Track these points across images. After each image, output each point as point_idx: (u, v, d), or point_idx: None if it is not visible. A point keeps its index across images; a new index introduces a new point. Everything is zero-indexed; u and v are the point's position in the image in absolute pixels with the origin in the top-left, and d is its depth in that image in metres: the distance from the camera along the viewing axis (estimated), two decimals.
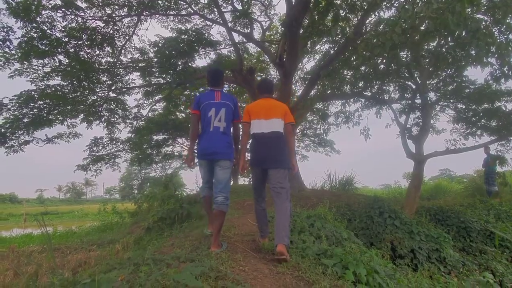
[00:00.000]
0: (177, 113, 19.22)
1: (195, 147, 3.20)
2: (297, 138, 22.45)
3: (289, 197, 3.12)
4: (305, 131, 22.21)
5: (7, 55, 7.11)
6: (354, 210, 5.97)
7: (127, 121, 13.39)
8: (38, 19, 6.71)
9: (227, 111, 3.14)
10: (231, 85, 15.88)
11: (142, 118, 14.97)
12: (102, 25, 8.48)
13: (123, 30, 9.39)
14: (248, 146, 3.22)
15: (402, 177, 26.16)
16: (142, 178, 48.43)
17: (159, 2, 8.95)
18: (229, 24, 9.66)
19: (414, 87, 7.08)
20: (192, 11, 9.90)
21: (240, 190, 9.84)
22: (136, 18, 9.15)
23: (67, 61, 7.75)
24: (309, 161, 25.43)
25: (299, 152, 24.60)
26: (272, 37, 12.93)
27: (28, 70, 7.75)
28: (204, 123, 3.11)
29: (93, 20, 8.09)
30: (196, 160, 3.22)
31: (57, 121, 9.17)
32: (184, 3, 9.72)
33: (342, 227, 4.32)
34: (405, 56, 7.06)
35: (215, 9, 9.65)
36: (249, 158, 3.25)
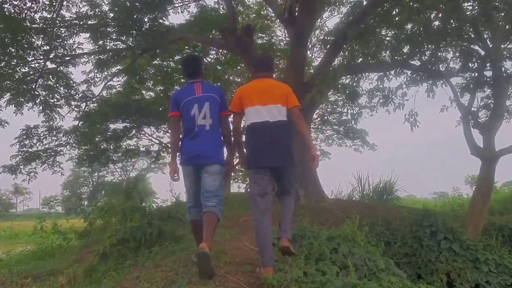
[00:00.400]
0: (143, 92, 19.34)
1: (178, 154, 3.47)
2: (314, 126, 22.54)
3: (295, 194, 3.58)
4: (325, 117, 22.25)
5: None
6: (394, 229, 6.00)
7: (72, 103, 13.41)
8: None
9: (212, 105, 3.38)
10: (220, 51, 15.89)
11: (94, 99, 15.01)
12: None
13: None
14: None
15: (463, 182, 26.17)
16: (95, 184, 48.82)
17: None
18: None
19: (482, 53, 7.04)
20: None
21: (233, 200, 9.89)
22: None
23: None
24: (331, 159, 25.36)
25: (317, 147, 24.78)
26: None
27: None
28: (187, 124, 3.40)
29: None
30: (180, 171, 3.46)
31: None
32: None
33: (377, 253, 4.33)
34: (470, 8, 7.01)
35: None
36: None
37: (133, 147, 22.93)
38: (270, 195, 3.34)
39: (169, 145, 3.04)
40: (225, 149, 3.57)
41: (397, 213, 7.24)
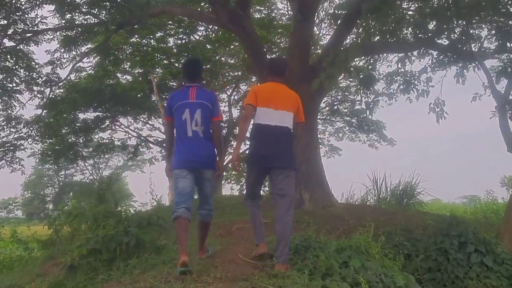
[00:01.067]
0: (119, 75, 19.29)
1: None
2: (321, 117, 22.53)
3: (293, 205, 4.21)
4: (335, 106, 22.23)
5: None
6: (416, 240, 6.02)
7: (35, 88, 13.33)
8: None
9: (203, 112, 4.14)
10: (210, 27, 15.84)
11: (60, 84, 14.93)
12: None
13: None
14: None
15: (499, 184, 26.35)
16: (61, 185, 48.74)
17: None
18: None
19: None
20: None
21: (226, 205, 9.92)
22: None
23: None
24: (341, 155, 25.37)
25: (325, 142, 24.76)
26: None
27: None
28: (180, 129, 4.15)
29: None
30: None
31: None
32: None
33: (395, 268, 4.35)
34: None
35: None
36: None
37: (107, 140, 22.89)
38: (256, 196, 4.36)
39: (164, 146, 4.80)
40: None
41: (420, 221, 7.24)
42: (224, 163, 4.47)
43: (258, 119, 4.17)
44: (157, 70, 18.68)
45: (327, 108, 22.18)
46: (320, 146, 27.12)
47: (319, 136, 25.04)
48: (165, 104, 22.65)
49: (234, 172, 22.55)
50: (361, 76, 9.10)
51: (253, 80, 19.85)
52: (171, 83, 21.30)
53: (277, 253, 4.04)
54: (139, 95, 19.71)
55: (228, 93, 23.52)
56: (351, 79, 16.95)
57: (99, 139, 22.16)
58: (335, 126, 23.72)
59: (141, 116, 23.26)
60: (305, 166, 8.87)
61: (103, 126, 21.66)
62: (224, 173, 20.72)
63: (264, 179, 4.38)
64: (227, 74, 19.91)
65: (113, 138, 22.96)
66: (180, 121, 4.17)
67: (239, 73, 19.68)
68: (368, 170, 13.14)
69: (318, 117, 23.98)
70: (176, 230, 4.13)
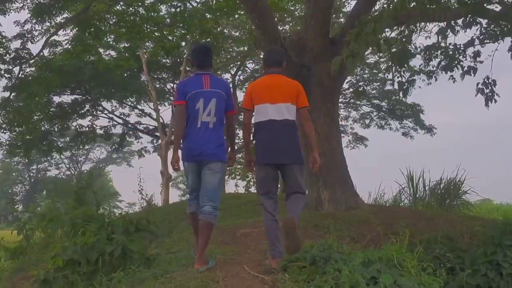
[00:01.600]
0: (101, 50, 19.24)
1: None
2: (344, 100, 22.39)
3: (305, 193, 4.88)
4: (361, 87, 22.07)
5: None
6: (461, 250, 5.96)
7: (1, 66, 13.39)
8: None
9: (218, 102, 4.61)
10: (253, 49, 15.71)
11: (31, 61, 14.97)
12: None
13: None
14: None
15: None
16: (33, 181, 49.20)
17: None
18: None
19: None
20: None
21: (230, 204, 9.98)
22: None
23: None
24: (368, 146, 25.11)
25: (348, 130, 24.57)
26: None
27: None
28: (191, 117, 4.62)
29: None
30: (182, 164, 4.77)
31: None
32: None
33: (436, 285, 4.29)
34: None
35: None
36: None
37: (87, 129, 23.00)
38: (275, 195, 4.71)
39: (173, 134, 5.39)
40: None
41: (465, 227, 7.16)
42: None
43: (257, 117, 4.73)
44: (147, 44, 18.65)
45: (351, 89, 22.03)
46: (342, 135, 27.12)
47: (340, 123, 24.89)
48: (165, 88, 22.38)
49: (239, 166, 22.62)
50: (393, 51, 8.96)
51: (261, 56, 19.78)
52: (164, 60, 21.27)
53: (290, 209, 4.62)
54: (125, 75, 19.75)
55: (233, 72, 23.52)
56: (380, 54, 16.79)
57: (77, 126, 22.29)
58: (361, 111, 23.64)
59: (128, 100, 23.35)
60: (323, 159, 8.80)
61: (83, 111, 21.77)
62: (229, 168, 20.68)
63: (276, 177, 4.77)
64: (230, 49, 19.86)
65: (94, 126, 23.08)
66: (193, 110, 4.62)
67: (245, 48, 19.61)
68: (402, 164, 13.08)
69: (340, 100, 23.88)
70: (191, 222, 4.92)
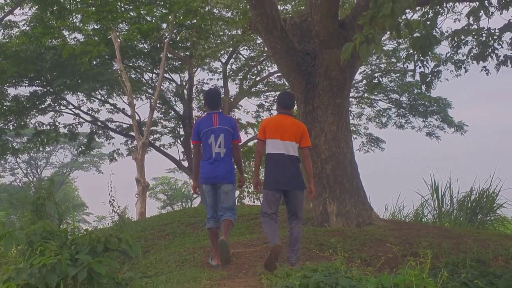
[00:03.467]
0: (65, 33, 19.17)
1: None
2: (357, 94, 22.38)
3: (302, 218, 6.84)
4: (376, 78, 21.96)
5: None
6: (495, 275, 5.94)
7: None
8: None
9: (225, 137, 6.82)
10: (248, 33, 15.73)
11: None
12: None
13: None
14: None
15: None
16: None
17: None
18: None
19: None
20: None
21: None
22: None
23: None
24: (384, 150, 24.96)
25: (361, 130, 24.51)
26: None
27: None
28: (206, 150, 6.84)
29: None
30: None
31: None
32: None
33: None
34: None
35: None
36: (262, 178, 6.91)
37: (48, 127, 23.01)
38: (276, 214, 6.53)
39: (192, 167, 8.32)
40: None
41: (500, 247, 7.18)
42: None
43: (268, 149, 6.66)
44: (121, 26, 18.65)
45: (364, 82, 22.06)
46: (354, 136, 27.15)
47: (352, 121, 24.94)
48: (142, 78, 22.56)
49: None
50: (415, 36, 8.97)
51: (257, 42, 19.78)
52: (141, 45, 21.24)
53: (290, 254, 6.31)
54: (94, 62, 19.68)
55: (224, 60, 23.55)
56: (400, 40, 16.85)
57: (37, 124, 22.25)
58: (376, 108, 23.68)
59: (97, 93, 23.31)
60: (330, 166, 8.84)
61: (43, 106, 21.72)
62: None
63: (279, 200, 6.62)
64: (221, 33, 19.85)
65: (57, 124, 23.06)
66: (206, 144, 6.83)
67: (239, 32, 19.62)
68: (425, 172, 13.09)
69: (352, 94, 23.87)
70: (210, 238, 6.91)
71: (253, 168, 7.95)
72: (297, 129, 6.69)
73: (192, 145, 7.95)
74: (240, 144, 7.37)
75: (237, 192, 21.86)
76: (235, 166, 7.17)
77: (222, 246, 6.37)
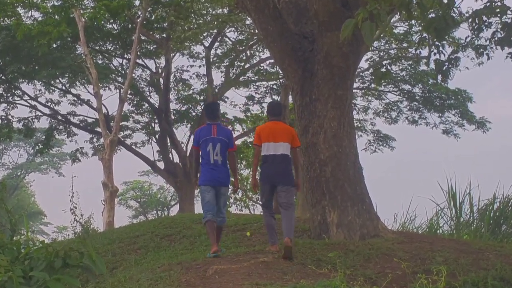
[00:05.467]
0: (21, 11, 19.03)
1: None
2: (362, 85, 22.38)
3: (294, 209, 8.85)
4: (384, 66, 21.81)
5: None
6: None
7: None
8: None
9: (222, 146, 8.70)
10: (235, 12, 15.76)
11: None
12: None
13: None
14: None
15: None
16: None
17: None
18: None
19: None
20: None
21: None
22: None
23: None
24: (394, 149, 24.91)
25: (367, 126, 24.48)
26: None
27: None
28: (205, 156, 8.72)
29: None
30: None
31: None
32: None
33: None
34: None
35: None
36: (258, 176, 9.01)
37: (0, 121, 22.85)
38: (269, 205, 8.65)
39: (193, 169, 10.92)
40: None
41: None
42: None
43: (264, 151, 8.59)
44: (85, 2, 18.59)
45: (372, 70, 22.08)
46: (359, 133, 27.06)
47: (356, 116, 24.78)
48: (110, 64, 23.01)
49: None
50: (429, 16, 9.01)
51: (247, 23, 19.77)
52: (109, 26, 21.16)
53: (285, 233, 8.00)
54: (54, 45, 19.62)
55: (207, 44, 23.50)
56: (412, 22, 16.92)
57: None
58: (385, 100, 23.70)
59: (57, 81, 23.20)
60: (330, 168, 8.86)
61: None
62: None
63: (274, 193, 8.68)
64: (204, 12, 19.83)
65: (10, 117, 22.94)
66: (205, 150, 8.73)
67: (224, 10, 19.61)
68: (441, 175, 13.11)
69: (356, 84, 23.73)
70: (207, 230, 8.60)
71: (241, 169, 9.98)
72: (288, 132, 8.75)
73: (193, 150, 10.17)
74: (234, 151, 9.28)
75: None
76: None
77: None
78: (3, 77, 20.71)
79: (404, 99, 22.86)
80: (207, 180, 8.73)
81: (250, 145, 24.13)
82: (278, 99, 20.41)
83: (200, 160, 8.95)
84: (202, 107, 15.71)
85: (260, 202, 9.58)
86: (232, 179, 9.32)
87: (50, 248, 5.48)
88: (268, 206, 8.71)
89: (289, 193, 8.46)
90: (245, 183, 24.13)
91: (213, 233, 8.36)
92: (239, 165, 17.73)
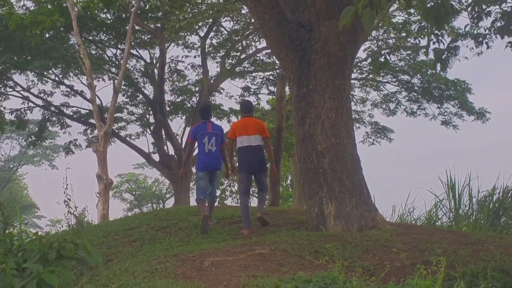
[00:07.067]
0: (12, 0, 18.95)
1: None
2: (360, 75, 22.33)
3: (267, 190, 12.58)
4: (382, 56, 21.67)
5: None
6: None
7: None
8: None
9: (216, 139, 10.70)
10: (231, 1, 15.64)
11: None
12: None
13: None
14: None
15: None
16: None
17: None
18: None
19: None
20: None
21: (197, 221, 10.13)
22: None
23: None
24: (393, 141, 24.97)
25: (365, 118, 24.40)
26: None
27: None
28: (201, 147, 10.70)
29: None
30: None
31: None
32: None
33: None
34: None
35: None
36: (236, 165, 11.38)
37: None
38: (248, 191, 10.81)
39: (184, 156, 15.03)
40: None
41: None
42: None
43: (239, 144, 10.36)
44: None
45: (370, 60, 22.05)
46: (357, 125, 27.09)
47: (354, 107, 24.82)
48: (104, 55, 23.25)
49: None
50: (428, 5, 9.00)
51: (243, 12, 19.73)
52: (103, 15, 21.10)
53: (260, 207, 10.46)
54: (47, 35, 19.56)
55: (202, 34, 23.45)
56: (411, 11, 16.92)
57: None
58: (384, 91, 23.70)
59: (50, 72, 23.14)
60: (328, 159, 8.86)
61: None
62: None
63: (251, 179, 10.67)
64: (199, 1, 19.77)
65: (2, 109, 22.89)
66: (201, 142, 10.46)
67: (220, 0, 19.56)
68: (440, 167, 13.13)
69: (354, 75, 23.70)
70: (198, 205, 10.70)
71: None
72: (258, 125, 10.60)
73: (188, 143, 12.80)
74: (225, 146, 11.08)
75: (219, 191, 24.47)
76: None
77: (203, 221, 9.94)
78: None
79: (403, 89, 22.84)
80: (203, 167, 10.54)
81: None
82: (275, 90, 20.50)
83: (197, 150, 10.89)
84: (196, 108, 19.09)
85: (240, 190, 11.15)
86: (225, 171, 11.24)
87: (43, 240, 5.47)
88: (247, 192, 10.57)
89: (264, 177, 10.82)
90: None
91: (203, 207, 10.47)
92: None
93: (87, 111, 24.04)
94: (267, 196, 11.70)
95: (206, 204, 10.83)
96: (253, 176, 10.80)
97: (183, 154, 22.60)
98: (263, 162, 10.71)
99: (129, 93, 25.70)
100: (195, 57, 24.72)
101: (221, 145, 10.89)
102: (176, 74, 25.76)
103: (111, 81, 23.65)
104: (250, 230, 9.78)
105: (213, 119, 13.64)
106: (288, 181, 30.46)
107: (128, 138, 26.22)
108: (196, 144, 11.01)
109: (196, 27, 21.06)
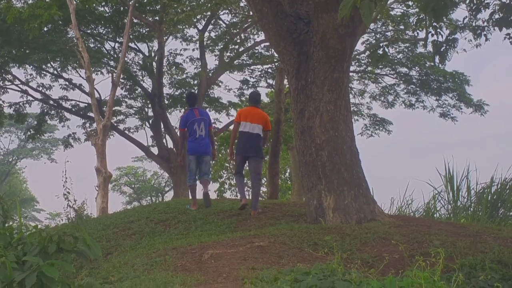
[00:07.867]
0: None
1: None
2: (359, 68, 22.31)
3: (261, 179, 13.50)
4: (381, 48, 21.71)
5: None
6: None
7: None
8: None
9: (205, 123, 12.26)
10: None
11: None
12: None
13: None
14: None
15: None
16: None
17: None
18: None
19: None
20: None
21: (196, 215, 10.20)
22: None
23: None
24: (391, 133, 24.93)
25: (364, 110, 24.43)
26: None
27: None
28: (192, 133, 12.13)
29: None
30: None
31: None
32: None
33: None
34: None
35: None
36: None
37: None
38: (241, 172, 11.81)
39: (179, 144, 14.04)
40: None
41: None
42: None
43: (241, 128, 11.17)
44: None
45: (368, 53, 22.03)
46: (356, 117, 27.12)
47: (352, 100, 24.80)
48: (102, 48, 23.14)
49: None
50: None
51: (241, 5, 19.69)
52: (101, 8, 21.06)
53: (252, 204, 10.78)
54: (45, 29, 19.54)
55: (200, 27, 23.42)
56: (409, 3, 16.91)
57: None
58: (382, 84, 23.68)
59: (49, 65, 23.10)
60: (326, 152, 8.86)
61: None
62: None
63: (245, 162, 11.40)
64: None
65: (0, 103, 22.84)
66: (192, 129, 11.77)
67: None
68: (438, 159, 13.16)
69: (353, 68, 23.70)
70: (190, 191, 12.49)
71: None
72: (263, 117, 11.35)
73: (179, 132, 13.92)
74: (213, 128, 13.13)
75: (217, 185, 28.73)
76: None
77: (206, 196, 11.85)
78: None
79: (401, 82, 22.82)
80: (193, 151, 11.85)
81: None
82: (274, 83, 20.54)
83: (188, 137, 11.95)
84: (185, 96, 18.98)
85: (235, 171, 12.13)
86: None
87: (43, 233, 5.47)
88: (239, 172, 11.66)
89: (258, 163, 11.34)
90: None
91: (195, 194, 12.11)
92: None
93: (86, 104, 24.02)
94: (267, 190, 12.42)
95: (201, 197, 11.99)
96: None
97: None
98: (258, 149, 11.29)
99: (127, 87, 25.71)
100: (193, 50, 24.73)
101: (210, 127, 12.28)
102: (174, 67, 25.72)
103: (110, 75, 23.59)
104: (246, 198, 11.16)
105: (213, 114, 15.07)
106: (287, 174, 30.46)
107: (127, 132, 26.21)
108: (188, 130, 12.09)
109: (195, 20, 21.05)
